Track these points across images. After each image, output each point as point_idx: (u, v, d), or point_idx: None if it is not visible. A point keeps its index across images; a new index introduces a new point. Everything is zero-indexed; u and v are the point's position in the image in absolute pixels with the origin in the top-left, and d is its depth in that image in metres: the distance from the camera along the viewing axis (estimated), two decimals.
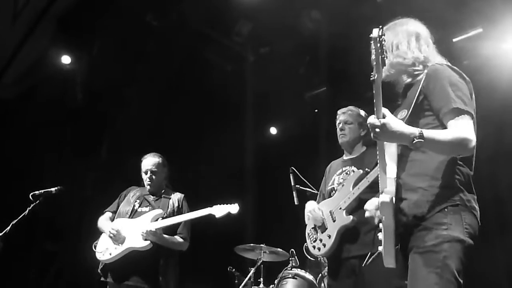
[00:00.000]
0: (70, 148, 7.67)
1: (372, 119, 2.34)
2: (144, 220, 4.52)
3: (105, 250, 4.52)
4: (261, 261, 5.51)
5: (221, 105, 7.91)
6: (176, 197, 4.81)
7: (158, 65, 7.46)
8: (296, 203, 4.56)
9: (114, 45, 7.12)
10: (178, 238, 4.60)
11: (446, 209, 2.44)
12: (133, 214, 4.66)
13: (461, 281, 2.37)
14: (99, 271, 4.57)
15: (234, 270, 5.81)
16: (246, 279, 5.44)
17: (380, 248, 2.55)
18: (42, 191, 4.36)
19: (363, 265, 3.18)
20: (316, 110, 8.20)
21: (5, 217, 4.22)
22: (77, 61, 7.30)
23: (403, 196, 2.55)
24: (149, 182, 4.79)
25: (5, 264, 4.06)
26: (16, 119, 7.22)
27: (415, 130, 2.35)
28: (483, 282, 5.41)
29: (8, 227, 4.09)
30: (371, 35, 2.26)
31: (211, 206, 4.49)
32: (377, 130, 2.33)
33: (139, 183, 4.94)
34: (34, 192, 4.33)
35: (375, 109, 2.33)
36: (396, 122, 2.36)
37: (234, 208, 4.44)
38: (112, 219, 4.77)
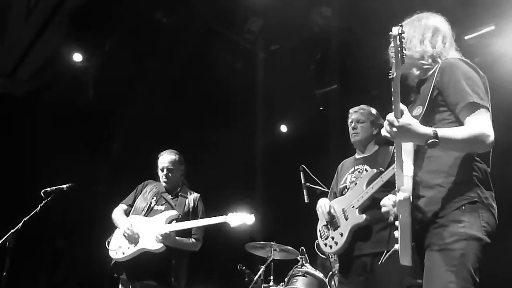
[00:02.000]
0: (81, 145, 7.71)
1: (391, 117, 2.33)
2: (159, 221, 4.49)
3: (118, 248, 4.51)
4: (271, 258, 5.51)
5: (231, 102, 7.91)
6: (192, 197, 4.79)
7: (168, 62, 7.47)
8: (306, 201, 4.55)
9: (125, 42, 7.15)
10: (191, 240, 4.59)
11: (463, 207, 2.42)
12: (149, 211, 4.64)
13: (477, 279, 2.36)
14: (111, 265, 4.57)
15: (244, 267, 5.82)
16: (256, 276, 5.45)
17: (397, 246, 2.54)
18: (54, 188, 4.37)
19: (379, 263, 3.17)
20: (321, 108, 8.18)
21: (16, 214, 4.24)
22: (89, 58, 7.33)
23: (420, 194, 2.53)
24: (165, 180, 4.76)
25: (16, 261, 4.08)
26: (28, 115, 7.26)
27: (429, 131, 2.32)
28: (494, 277, 5.38)
29: (20, 224, 4.11)
30: (390, 33, 2.25)
31: (224, 210, 4.48)
32: (394, 129, 2.32)
33: (154, 177, 4.93)
34: (45, 189, 4.34)
35: (393, 107, 2.32)
36: (413, 122, 2.34)
37: (249, 219, 4.41)
38: (127, 212, 4.76)
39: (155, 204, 4.68)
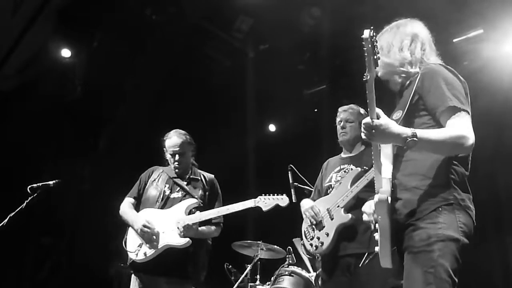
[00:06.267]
0: (68, 141, 7.65)
1: (366, 120, 2.34)
2: (178, 212, 4.13)
3: (138, 249, 4.15)
4: (258, 258, 5.51)
5: (220, 101, 7.90)
6: (206, 180, 4.44)
7: (157, 59, 7.44)
8: (294, 201, 4.55)
9: (114, 39, 7.10)
10: (212, 227, 4.26)
11: (440, 208, 2.44)
12: (165, 201, 4.26)
13: (456, 280, 2.37)
14: (127, 264, 4.27)
15: (230, 266, 5.81)
16: (243, 275, 5.44)
17: (377, 249, 2.55)
18: (40, 184, 4.26)
19: (360, 265, 3.18)
20: (315, 110, 8.19)
21: (2, 210, 4.20)
22: (76, 54, 7.27)
23: (398, 196, 2.55)
24: (178, 165, 4.35)
25: (1, 257, 4.04)
26: (15, 111, 7.19)
27: (407, 130, 2.34)
28: (480, 279, 5.43)
29: (6, 220, 4.06)
30: (362, 36, 2.23)
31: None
32: (371, 131, 2.33)
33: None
34: (32, 185, 4.24)
35: (368, 110, 2.33)
36: (389, 122, 2.35)
37: (283, 201, 4.03)
38: (134, 206, 4.37)
39: (170, 192, 4.31)
